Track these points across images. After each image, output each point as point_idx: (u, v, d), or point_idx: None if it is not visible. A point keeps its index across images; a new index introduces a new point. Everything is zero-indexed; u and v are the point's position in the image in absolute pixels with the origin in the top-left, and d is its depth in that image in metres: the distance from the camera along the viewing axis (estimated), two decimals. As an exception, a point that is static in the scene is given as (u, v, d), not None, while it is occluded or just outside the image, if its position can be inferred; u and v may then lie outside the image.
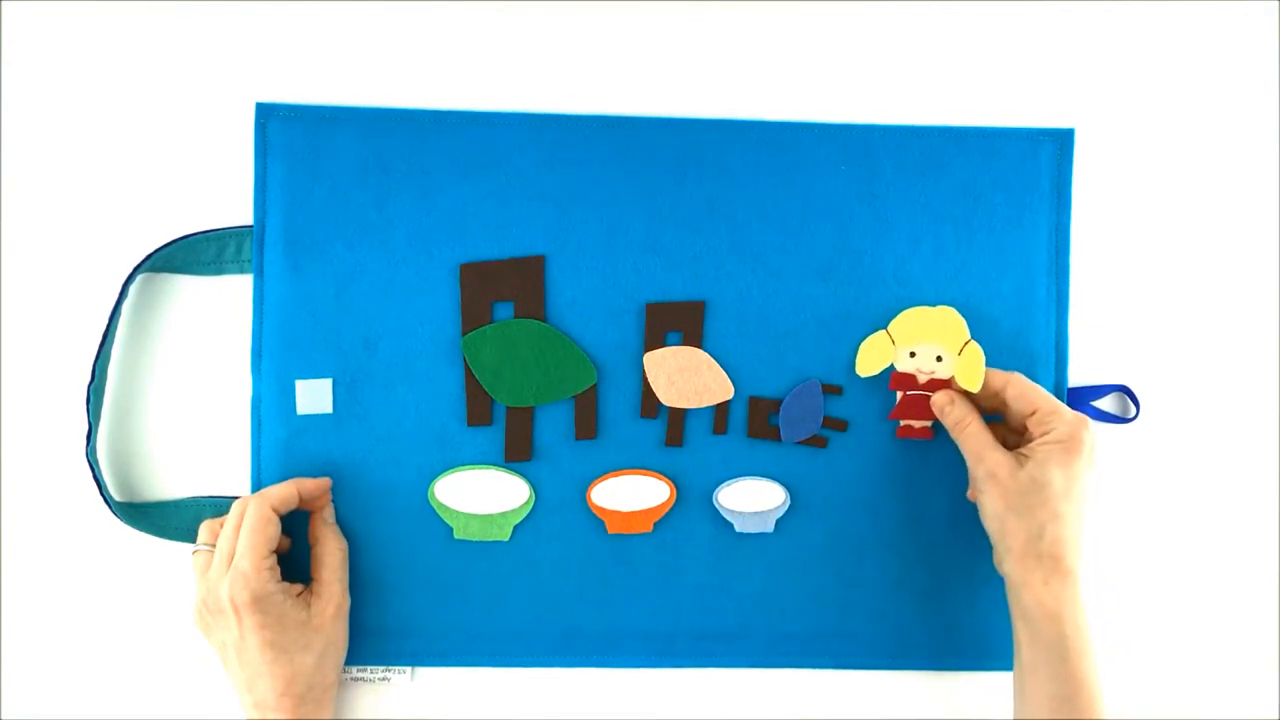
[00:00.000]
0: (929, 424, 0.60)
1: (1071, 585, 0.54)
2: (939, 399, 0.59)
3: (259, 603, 0.53)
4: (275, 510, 0.55)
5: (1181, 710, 0.63)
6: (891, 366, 0.60)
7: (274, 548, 0.55)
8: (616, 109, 0.61)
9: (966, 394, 0.59)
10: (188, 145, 0.60)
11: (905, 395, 0.60)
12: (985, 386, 0.58)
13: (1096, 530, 0.62)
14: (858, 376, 0.60)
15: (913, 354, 0.60)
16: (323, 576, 0.57)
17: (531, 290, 0.59)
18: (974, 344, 0.59)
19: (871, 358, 0.60)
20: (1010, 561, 0.55)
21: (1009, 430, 0.59)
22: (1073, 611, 0.53)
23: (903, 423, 0.60)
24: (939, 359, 0.59)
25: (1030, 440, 0.56)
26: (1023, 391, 0.57)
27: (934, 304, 0.60)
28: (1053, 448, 0.54)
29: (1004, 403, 0.58)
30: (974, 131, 0.61)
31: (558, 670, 0.61)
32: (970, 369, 0.59)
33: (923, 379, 0.60)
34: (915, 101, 0.62)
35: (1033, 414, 0.56)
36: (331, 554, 0.57)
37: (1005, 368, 0.60)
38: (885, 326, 0.60)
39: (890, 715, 0.62)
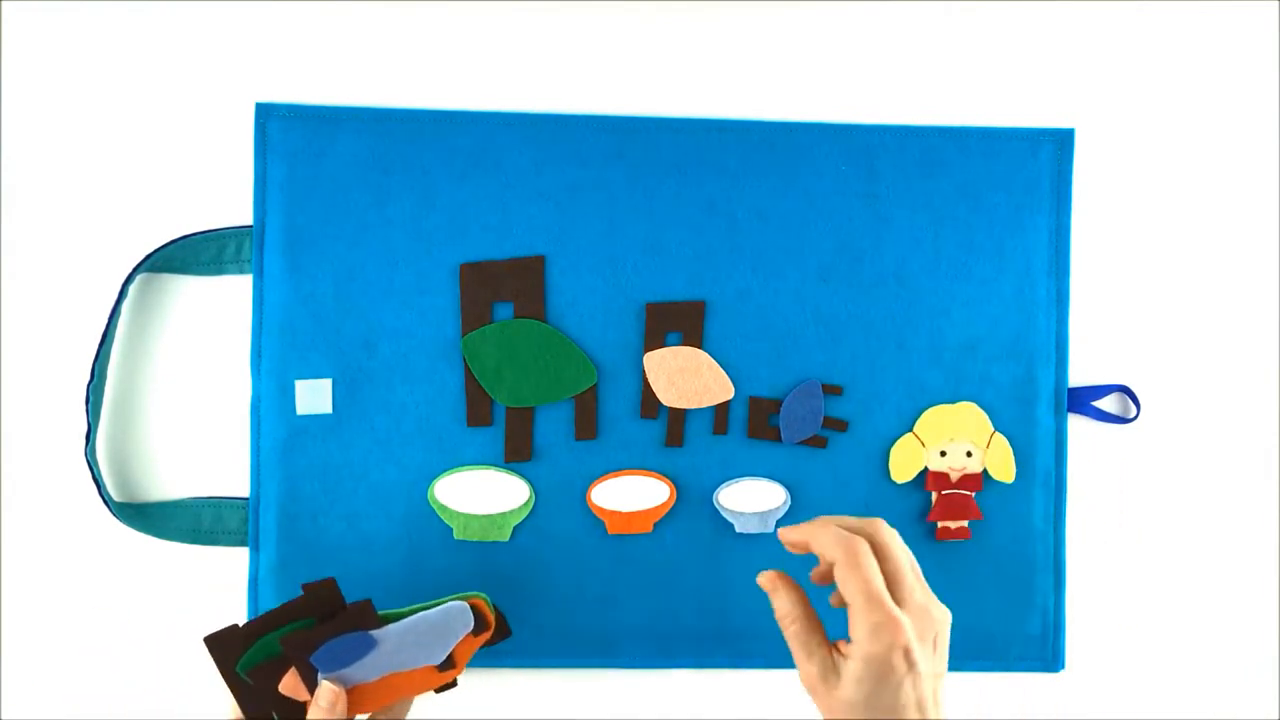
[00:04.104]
0: (965, 524, 0.60)
1: None
2: (762, 579, 0.49)
3: None
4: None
5: (1182, 710, 0.63)
6: (926, 469, 0.60)
7: None
8: (616, 109, 0.61)
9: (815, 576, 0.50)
10: (188, 145, 0.60)
11: (940, 495, 0.60)
12: (802, 547, 0.49)
13: (1096, 529, 0.63)
14: (858, 377, 0.60)
15: (943, 453, 0.60)
16: None
17: (531, 290, 0.59)
18: (999, 435, 0.60)
19: (903, 463, 0.60)
20: None
21: None
22: None
23: (940, 525, 0.60)
24: (969, 454, 0.60)
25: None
26: (841, 578, 0.45)
27: (934, 304, 0.60)
28: (859, 667, 0.44)
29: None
30: (974, 132, 0.61)
31: (558, 670, 0.61)
32: (1000, 461, 0.60)
33: (955, 476, 0.60)
34: (915, 101, 0.62)
35: (848, 606, 0.45)
36: None
37: (1005, 368, 0.60)
38: (884, 328, 0.60)
39: (890, 715, 0.62)
